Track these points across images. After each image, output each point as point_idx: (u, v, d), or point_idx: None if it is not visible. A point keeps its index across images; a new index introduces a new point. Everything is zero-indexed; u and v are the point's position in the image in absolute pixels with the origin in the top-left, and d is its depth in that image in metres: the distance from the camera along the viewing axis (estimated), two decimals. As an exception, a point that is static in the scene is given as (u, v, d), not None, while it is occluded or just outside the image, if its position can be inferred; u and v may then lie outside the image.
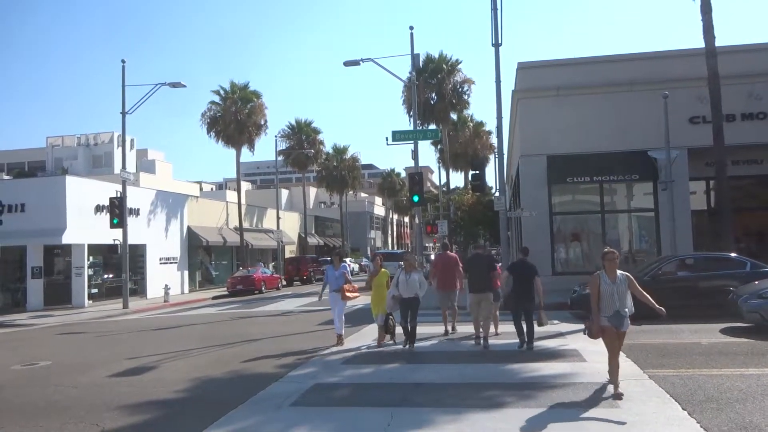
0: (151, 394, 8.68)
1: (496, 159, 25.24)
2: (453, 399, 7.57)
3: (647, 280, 14.61)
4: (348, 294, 12.07)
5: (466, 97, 41.45)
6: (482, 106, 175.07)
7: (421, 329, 14.15)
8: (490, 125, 53.94)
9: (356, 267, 48.83)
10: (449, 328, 13.19)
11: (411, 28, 23.91)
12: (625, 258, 21.83)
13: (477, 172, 22.64)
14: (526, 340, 10.78)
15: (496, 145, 22.86)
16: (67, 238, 25.28)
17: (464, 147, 51.00)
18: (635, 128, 20.77)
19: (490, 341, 11.35)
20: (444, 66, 40.89)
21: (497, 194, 24.39)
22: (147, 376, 10.08)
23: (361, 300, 15.30)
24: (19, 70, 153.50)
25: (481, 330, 11.40)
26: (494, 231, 39.64)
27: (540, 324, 10.79)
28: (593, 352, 10.32)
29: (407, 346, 11.17)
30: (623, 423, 6.26)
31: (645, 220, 22.20)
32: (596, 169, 21.36)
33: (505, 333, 12.29)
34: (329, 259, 37.30)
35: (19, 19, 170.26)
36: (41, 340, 16.19)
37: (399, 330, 11.83)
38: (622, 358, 9.72)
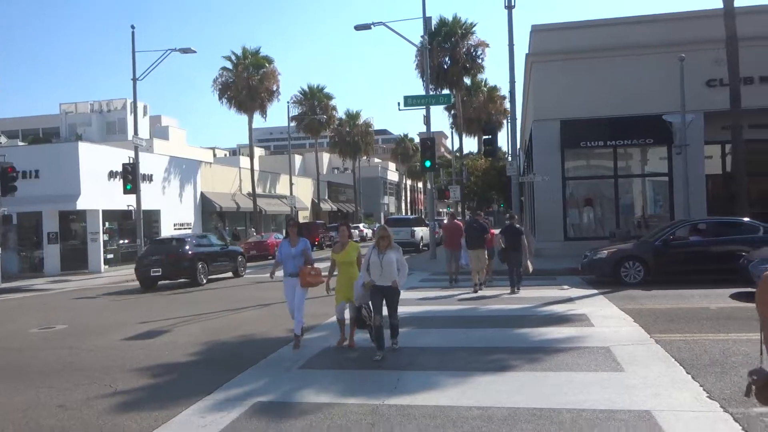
0: (163, 356, 8.87)
1: (509, 124, 25.00)
2: (459, 362, 7.67)
3: (658, 246, 14.58)
4: (309, 279, 8.92)
5: (480, 61, 40.81)
6: (496, 71, 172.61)
7: (428, 293, 14.34)
8: (505, 90, 53.22)
9: (369, 233, 48.92)
10: (477, 287, 14.40)
11: (422, -11, 23.48)
12: (637, 223, 21.72)
13: (489, 136, 22.47)
14: (516, 285, 13.91)
15: (509, 109, 22.62)
16: (81, 204, 25.56)
17: (478, 112, 50.40)
18: (650, 92, 20.39)
19: (485, 290, 14.29)
20: (458, 29, 40.17)
21: (510, 159, 24.21)
22: (160, 340, 10.29)
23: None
24: (30, 37, 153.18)
25: (477, 278, 14.46)
26: (507, 196, 39.53)
27: (526, 273, 14.02)
28: (601, 316, 10.39)
29: (382, 351, 7.98)
30: (627, 386, 6.31)
31: (659, 185, 21.99)
32: (610, 134, 21.09)
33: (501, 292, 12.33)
34: (336, 225, 37.45)
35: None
36: (58, 304, 16.53)
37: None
38: (629, 322, 9.77)
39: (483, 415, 5.54)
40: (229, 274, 22.08)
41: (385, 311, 8.17)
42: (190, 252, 19.71)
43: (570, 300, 12.52)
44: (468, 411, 5.67)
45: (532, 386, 6.47)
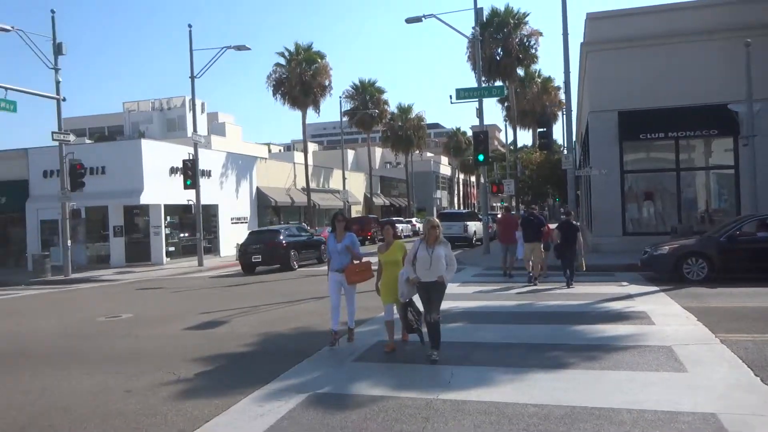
0: (223, 346, 9.13)
1: (564, 116, 24.46)
2: (515, 358, 7.58)
3: (723, 242, 14.01)
4: (354, 277, 8.59)
5: (533, 51, 40.10)
6: (550, 61, 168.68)
7: (482, 288, 14.22)
8: (559, 80, 52.14)
9: (421, 227, 48.78)
10: (534, 281, 14.75)
11: (476, -19, 23.20)
12: (701, 218, 20.92)
13: (544, 129, 22.04)
14: (570, 280, 13.88)
15: (564, 101, 22.12)
16: (144, 199, 26.53)
17: (532, 104, 49.57)
18: (714, 80, 19.57)
19: (539, 284, 14.61)
20: (510, 20, 39.57)
21: (565, 152, 23.70)
22: (219, 330, 10.60)
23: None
24: (95, 39, 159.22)
25: (531, 271, 14.88)
26: (563, 190, 38.74)
27: (580, 269, 14.40)
28: (662, 314, 10.07)
29: (431, 354, 7.55)
30: (690, 386, 6.11)
31: (724, 178, 21.07)
32: (671, 125, 20.35)
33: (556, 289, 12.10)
34: (390, 220, 37.36)
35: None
36: (123, 294, 17.22)
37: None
38: (692, 321, 9.44)
39: (539, 413, 5.47)
40: (314, 261, 24.66)
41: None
42: (284, 242, 22.41)
43: (629, 297, 12.19)
44: (524, 408, 5.61)
45: (590, 385, 6.34)
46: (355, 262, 8.70)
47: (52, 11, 22.24)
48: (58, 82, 22.42)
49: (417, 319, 8.02)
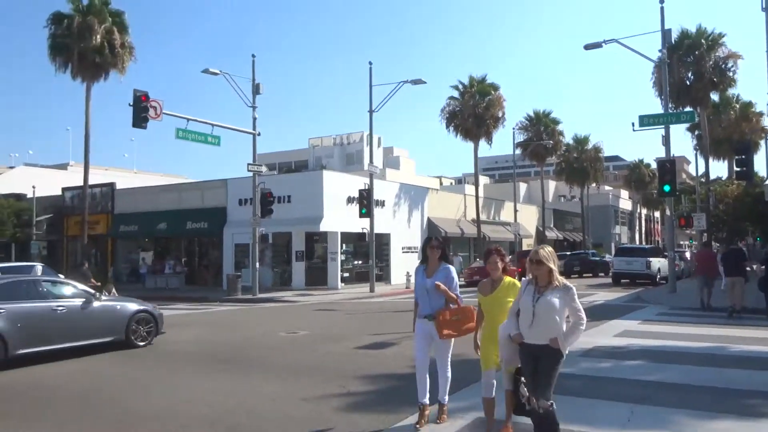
0: (390, 366, 9.33)
1: (768, 142, 21.85)
2: (704, 403, 6.79)
3: None
4: (447, 329, 6.02)
5: (730, 74, 36.43)
6: (751, 84, 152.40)
7: (665, 328, 12.99)
8: (761, 105, 46.73)
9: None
10: (733, 313, 14.73)
11: (661, 0, 21.85)
12: None
13: (743, 156, 19.78)
14: None
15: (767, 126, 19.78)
16: (324, 226, 28.29)
17: (728, 132, 44.88)
18: None
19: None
20: (702, 41, 36.46)
21: (769, 182, 21.09)
22: (388, 351, 10.86)
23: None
24: (286, 80, 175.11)
25: (734, 303, 14.80)
26: (764, 226, 34.42)
27: None
28: None
29: None
30: None
31: None
32: None
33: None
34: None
35: (275, 32, 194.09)
36: (302, 314, 18.38)
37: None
38: None
39: (735, 461, 4.82)
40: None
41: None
42: None
43: None
44: (715, 454, 4.99)
45: (799, 438, 5.47)
46: (451, 306, 6.14)
47: (253, 56, 25.02)
48: (254, 119, 24.93)
49: (529, 394, 5.11)
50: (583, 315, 4.93)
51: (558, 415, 6.23)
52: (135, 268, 35.16)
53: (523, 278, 5.24)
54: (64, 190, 38.35)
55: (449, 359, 6.31)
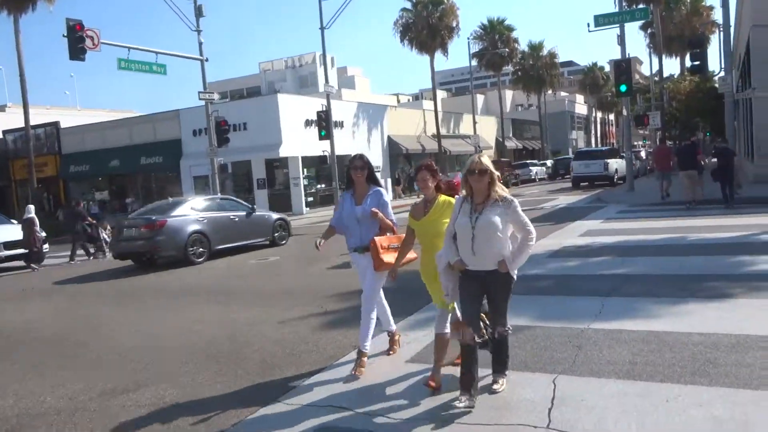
0: (364, 282, 9.38)
1: (721, 34, 21.95)
2: (669, 290, 7.04)
3: None
4: (385, 257, 5.33)
5: (681, -32, 36.15)
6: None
7: (626, 225, 13.37)
8: (712, -1, 46.74)
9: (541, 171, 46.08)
10: (691, 204, 15.44)
11: None
12: None
13: (697, 50, 19.82)
14: (730, 199, 14.59)
15: (718, 20, 19.80)
16: (283, 152, 27.81)
17: (680, 28, 44.99)
18: None
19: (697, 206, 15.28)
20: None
21: (723, 74, 21.38)
22: (360, 269, 10.91)
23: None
24: (229, 4, 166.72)
25: (690, 196, 15.48)
26: (715, 122, 35.16)
27: (738, 186, 15.29)
28: None
29: (493, 383, 4.59)
30: None
31: None
32: None
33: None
34: (522, 163, 35.71)
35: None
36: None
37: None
38: None
39: (706, 341, 5.03)
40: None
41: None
42: None
43: (803, 227, 10.88)
44: (687, 337, 5.19)
45: (761, 315, 5.73)
46: (383, 238, 5.39)
47: (191, -25, 23.42)
48: (200, 44, 23.69)
49: (486, 327, 4.54)
50: (532, 229, 4.22)
51: (532, 314, 6.46)
52: (86, 209, 34.15)
53: (457, 196, 4.53)
54: (4, 132, 36.42)
55: (377, 295, 5.60)
